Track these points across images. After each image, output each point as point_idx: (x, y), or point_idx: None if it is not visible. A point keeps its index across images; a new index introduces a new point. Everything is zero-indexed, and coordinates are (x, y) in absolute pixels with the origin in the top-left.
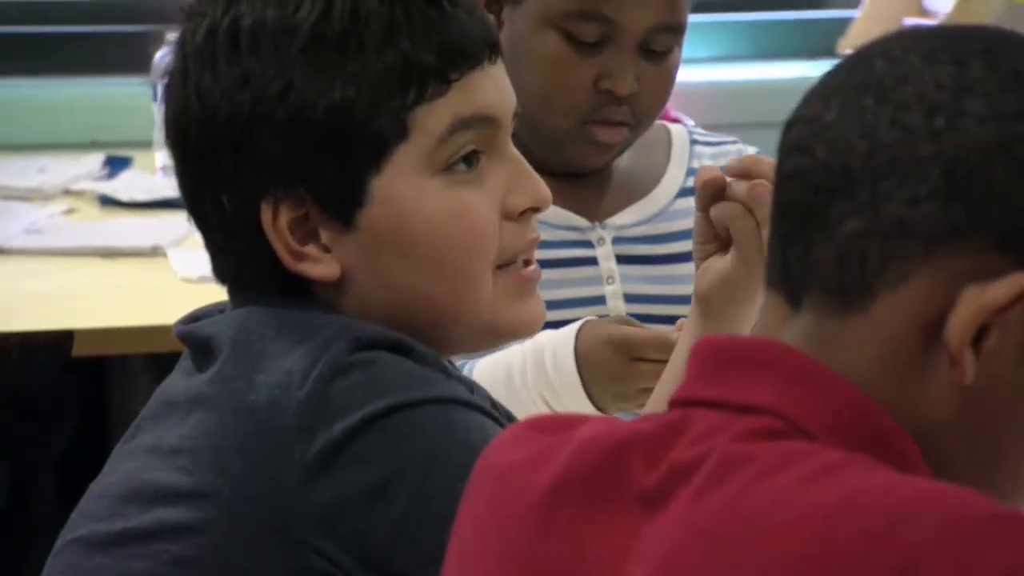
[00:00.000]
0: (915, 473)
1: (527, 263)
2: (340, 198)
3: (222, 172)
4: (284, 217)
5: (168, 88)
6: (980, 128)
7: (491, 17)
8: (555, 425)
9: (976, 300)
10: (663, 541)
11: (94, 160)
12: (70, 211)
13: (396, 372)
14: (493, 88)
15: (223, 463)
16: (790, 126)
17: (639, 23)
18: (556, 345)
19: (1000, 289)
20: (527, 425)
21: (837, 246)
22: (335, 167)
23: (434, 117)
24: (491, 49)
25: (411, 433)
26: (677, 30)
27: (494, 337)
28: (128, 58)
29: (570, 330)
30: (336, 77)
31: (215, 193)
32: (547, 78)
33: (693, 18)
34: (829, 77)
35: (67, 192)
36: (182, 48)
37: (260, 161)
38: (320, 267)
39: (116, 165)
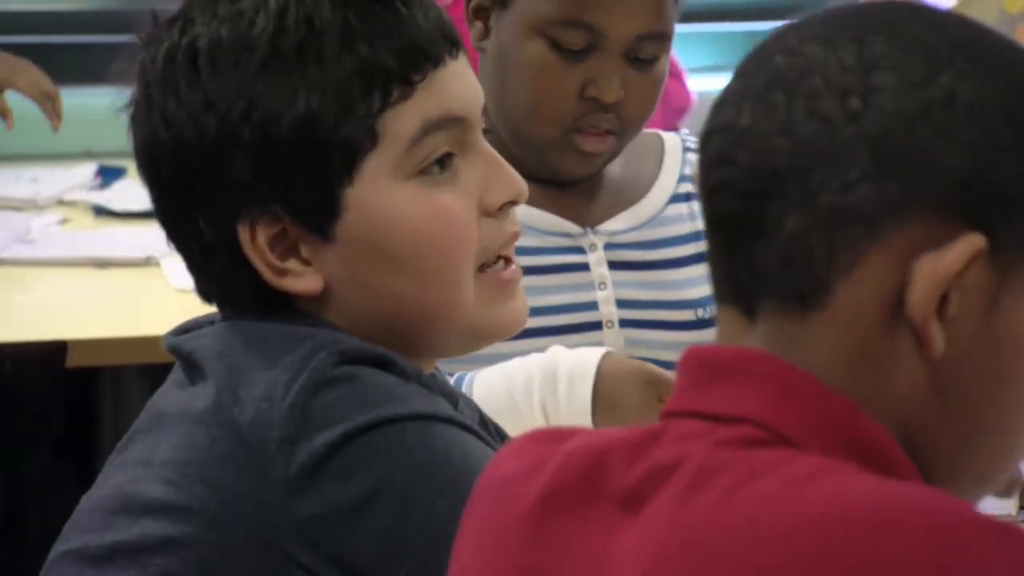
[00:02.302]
0: (898, 474)
1: (507, 263)
2: (315, 211)
3: (196, 197)
4: (262, 235)
5: (134, 118)
6: (896, 100)
7: (478, 24)
8: (551, 437)
9: (933, 270)
10: (645, 544)
11: (87, 170)
12: (64, 221)
13: (378, 387)
14: (459, 85)
15: (209, 476)
16: (708, 138)
17: (625, 31)
18: (573, 365)
19: (954, 254)
20: (528, 438)
21: (781, 248)
22: (307, 180)
23: (402, 121)
24: (452, 45)
25: (392, 449)
26: (663, 38)
27: (478, 338)
28: (122, 68)
29: (592, 354)
30: (298, 89)
31: (191, 218)
32: (533, 86)
33: (685, 28)
34: (733, 82)
35: (61, 202)
36: (143, 76)
37: (232, 182)
38: (303, 281)
39: (109, 175)
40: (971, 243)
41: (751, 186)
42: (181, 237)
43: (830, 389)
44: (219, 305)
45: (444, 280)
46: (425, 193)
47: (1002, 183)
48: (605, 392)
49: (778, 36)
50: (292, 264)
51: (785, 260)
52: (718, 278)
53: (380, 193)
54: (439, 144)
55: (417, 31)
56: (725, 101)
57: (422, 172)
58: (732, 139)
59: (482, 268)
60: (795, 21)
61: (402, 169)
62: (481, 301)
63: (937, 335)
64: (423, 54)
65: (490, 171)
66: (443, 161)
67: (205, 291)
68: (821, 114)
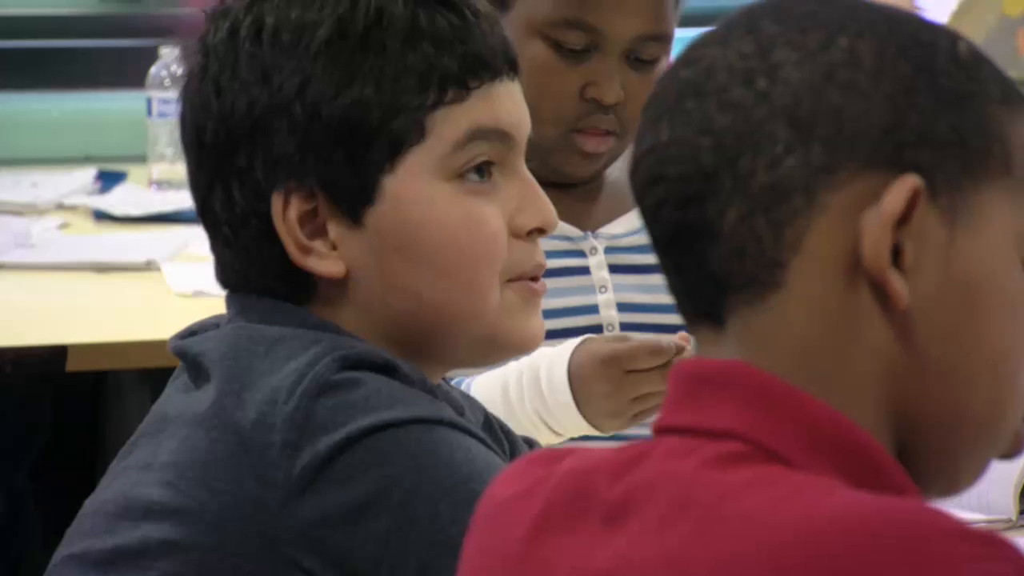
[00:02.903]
0: (888, 479)
1: (534, 279)
2: (351, 193)
3: (236, 165)
4: (294, 210)
5: (186, 88)
6: (799, 71)
7: None
8: (546, 458)
9: (878, 219)
10: (627, 564)
11: (87, 174)
12: (64, 225)
13: (381, 392)
14: (512, 105)
15: (210, 480)
16: (636, 165)
17: (624, 32)
18: (551, 364)
19: (893, 197)
20: (525, 460)
21: (729, 242)
22: (349, 162)
23: (452, 122)
24: (510, 65)
25: (395, 452)
26: (663, 39)
27: (494, 349)
28: (122, 73)
29: (565, 349)
30: (356, 75)
31: (227, 186)
32: (533, 87)
33: (685, 32)
34: (646, 109)
35: (61, 206)
36: (203, 47)
37: (274, 153)
38: (326, 263)
39: (110, 179)
40: (906, 183)
41: (685, 192)
42: (211, 208)
43: (810, 397)
44: (236, 290)
45: (466, 286)
46: (461, 197)
47: (923, 126)
48: (578, 390)
49: (683, 54)
50: (318, 244)
51: (736, 252)
52: (681, 297)
53: (417, 187)
54: (482, 152)
55: (482, 42)
56: (644, 128)
57: (461, 176)
58: (657, 156)
59: (509, 281)
60: (697, 37)
61: (443, 169)
62: (505, 312)
63: (900, 284)
64: (484, 64)
65: (526, 195)
66: (482, 170)
67: (226, 272)
68: (733, 103)
